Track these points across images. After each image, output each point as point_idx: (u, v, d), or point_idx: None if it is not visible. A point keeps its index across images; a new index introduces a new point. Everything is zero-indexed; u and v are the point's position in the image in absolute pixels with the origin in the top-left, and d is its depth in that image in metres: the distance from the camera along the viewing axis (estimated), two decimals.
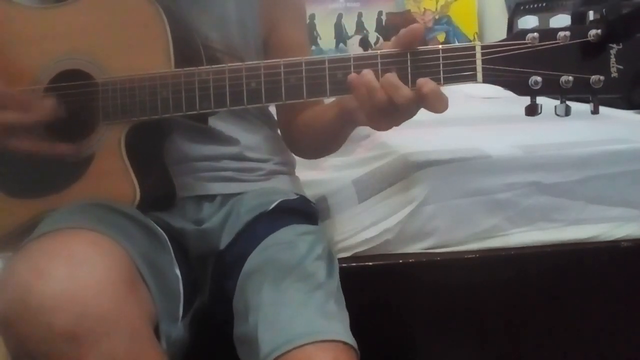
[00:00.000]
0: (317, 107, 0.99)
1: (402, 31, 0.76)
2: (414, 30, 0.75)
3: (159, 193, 0.90)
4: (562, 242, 1.09)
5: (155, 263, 0.81)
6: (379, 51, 0.77)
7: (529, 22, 0.74)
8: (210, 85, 0.81)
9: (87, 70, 0.87)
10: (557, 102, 0.75)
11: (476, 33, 2.91)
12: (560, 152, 1.11)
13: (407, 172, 1.08)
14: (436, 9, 2.96)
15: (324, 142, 1.02)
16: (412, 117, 0.79)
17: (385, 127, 0.80)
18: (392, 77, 0.75)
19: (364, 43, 2.90)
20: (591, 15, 0.71)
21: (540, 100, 0.75)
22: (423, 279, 1.06)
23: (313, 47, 2.84)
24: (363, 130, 0.98)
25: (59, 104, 0.85)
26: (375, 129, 0.82)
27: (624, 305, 1.11)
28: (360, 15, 2.92)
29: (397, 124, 0.80)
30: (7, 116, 0.83)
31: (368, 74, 0.76)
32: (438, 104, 0.74)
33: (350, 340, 0.76)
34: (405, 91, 0.74)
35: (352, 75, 0.76)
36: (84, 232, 0.73)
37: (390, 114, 0.77)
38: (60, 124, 0.87)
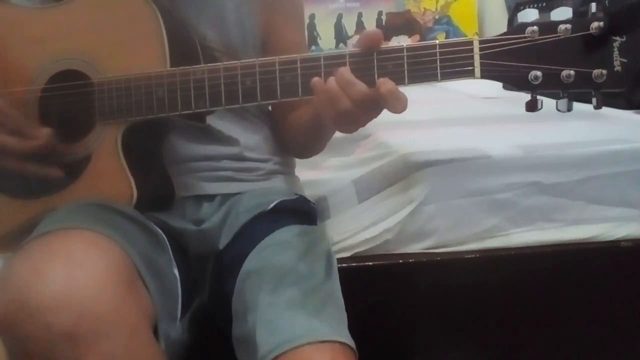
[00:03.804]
0: (305, 107, 0.99)
1: (362, 33, 0.75)
2: (370, 35, 0.75)
3: (157, 193, 0.90)
4: (562, 242, 1.09)
5: (154, 263, 0.81)
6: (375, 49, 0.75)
7: (529, 15, 0.72)
8: (206, 84, 0.81)
9: (84, 70, 0.87)
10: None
11: (476, 33, 2.91)
12: (560, 152, 1.11)
13: (407, 172, 1.08)
14: (436, 9, 2.96)
15: (304, 142, 1.02)
16: (375, 117, 0.77)
17: (351, 129, 0.79)
18: (345, 73, 0.74)
19: None
20: (593, 7, 0.69)
21: (540, 99, 0.74)
22: (423, 279, 1.06)
23: (313, 47, 2.84)
24: (363, 130, 0.98)
25: (54, 139, 0.85)
26: (341, 131, 0.82)
27: (624, 305, 1.11)
28: (360, 15, 2.92)
29: (363, 125, 0.78)
30: (2, 138, 0.83)
31: (329, 85, 0.74)
32: (396, 104, 0.72)
33: (348, 340, 0.76)
34: (359, 86, 0.73)
35: (316, 80, 0.75)
36: (82, 232, 0.73)
37: (353, 116, 0.75)
38: (58, 124, 0.87)
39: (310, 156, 1.08)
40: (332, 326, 0.77)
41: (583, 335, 1.11)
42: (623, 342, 1.12)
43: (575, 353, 1.12)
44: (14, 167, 0.85)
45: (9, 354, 0.68)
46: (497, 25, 2.83)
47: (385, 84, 0.72)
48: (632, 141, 1.14)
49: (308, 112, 0.94)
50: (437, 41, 0.74)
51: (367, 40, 0.75)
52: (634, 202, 1.10)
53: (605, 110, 1.44)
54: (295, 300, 0.78)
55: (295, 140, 1.03)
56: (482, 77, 0.73)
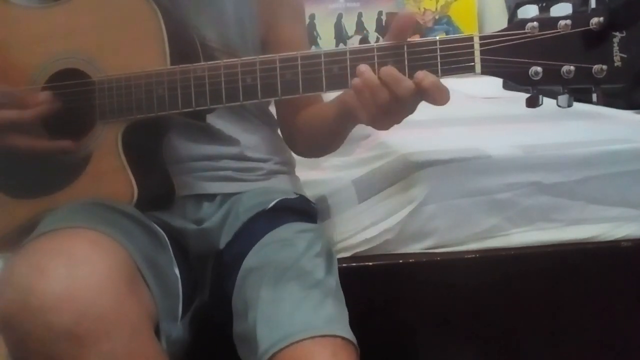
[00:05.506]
0: (317, 105, 0.99)
1: (393, 23, 0.75)
2: (402, 18, 0.75)
3: (158, 192, 0.90)
4: (562, 242, 1.09)
5: (156, 262, 0.81)
6: (375, 44, 0.76)
7: (528, 11, 0.72)
8: (206, 82, 0.81)
9: (84, 69, 0.87)
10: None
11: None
12: (560, 152, 1.10)
13: (407, 172, 1.08)
14: (436, 9, 2.96)
15: (323, 141, 1.02)
16: (411, 113, 0.78)
17: (387, 125, 0.80)
18: (391, 70, 0.74)
19: (364, 43, 2.90)
20: (593, 2, 0.69)
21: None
22: (423, 279, 1.06)
23: (313, 47, 2.84)
24: (363, 130, 0.98)
25: (55, 98, 0.86)
26: (376, 128, 0.81)
27: (624, 305, 1.11)
28: (360, 15, 2.92)
29: (398, 122, 0.79)
30: (4, 114, 0.83)
31: (369, 76, 0.75)
32: (439, 97, 0.73)
33: (349, 335, 0.76)
34: (407, 83, 0.74)
35: (356, 81, 0.75)
36: (83, 231, 0.73)
37: (392, 111, 0.76)
38: (58, 123, 0.87)
39: (324, 155, 1.08)
40: (333, 321, 0.77)
41: (583, 335, 1.11)
42: (623, 342, 1.12)
43: (575, 353, 1.12)
44: (24, 144, 0.85)
45: (11, 352, 0.68)
46: (497, 25, 2.80)
47: (426, 77, 0.73)
48: (632, 141, 1.14)
49: (331, 109, 0.93)
50: (437, 37, 0.75)
51: (400, 24, 0.75)
52: (634, 202, 1.10)
53: (605, 110, 1.44)
54: (296, 296, 0.78)
55: (308, 139, 1.03)
56: (483, 72, 0.73)
